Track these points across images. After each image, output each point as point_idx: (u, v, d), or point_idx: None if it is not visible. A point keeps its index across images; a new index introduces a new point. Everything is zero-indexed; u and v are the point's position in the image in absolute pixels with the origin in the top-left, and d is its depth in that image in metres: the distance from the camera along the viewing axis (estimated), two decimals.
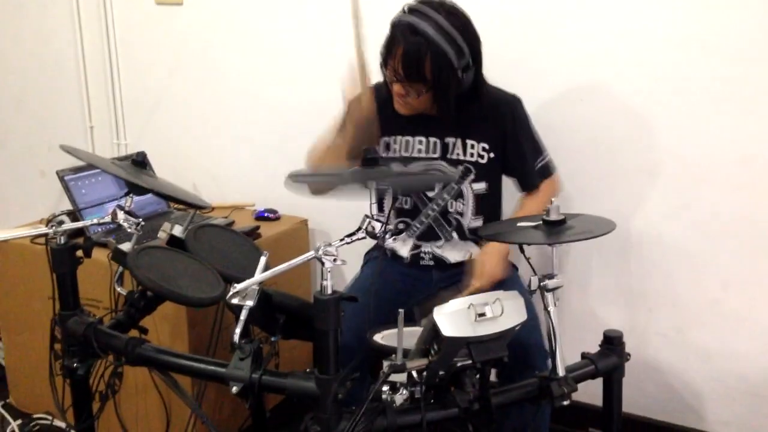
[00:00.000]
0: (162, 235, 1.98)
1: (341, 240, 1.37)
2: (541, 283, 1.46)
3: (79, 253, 1.61)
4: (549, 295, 1.48)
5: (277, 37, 2.70)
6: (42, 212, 2.61)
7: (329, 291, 1.33)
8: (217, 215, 2.69)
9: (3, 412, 2.55)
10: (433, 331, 1.35)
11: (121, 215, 1.56)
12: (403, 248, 2.12)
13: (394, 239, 1.41)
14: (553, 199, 1.50)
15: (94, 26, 3.04)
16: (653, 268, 2.27)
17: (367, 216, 1.38)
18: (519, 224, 1.53)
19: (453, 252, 2.09)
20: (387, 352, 1.51)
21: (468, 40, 1.90)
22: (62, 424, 2.44)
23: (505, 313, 1.34)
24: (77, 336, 1.58)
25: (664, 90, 2.14)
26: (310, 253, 1.34)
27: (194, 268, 1.86)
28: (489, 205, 2.10)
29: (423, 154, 2.07)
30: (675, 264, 2.24)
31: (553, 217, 1.49)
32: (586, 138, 2.27)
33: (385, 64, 1.95)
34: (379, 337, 1.78)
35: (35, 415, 2.53)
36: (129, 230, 1.57)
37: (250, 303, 1.40)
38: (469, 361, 1.36)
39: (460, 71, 1.89)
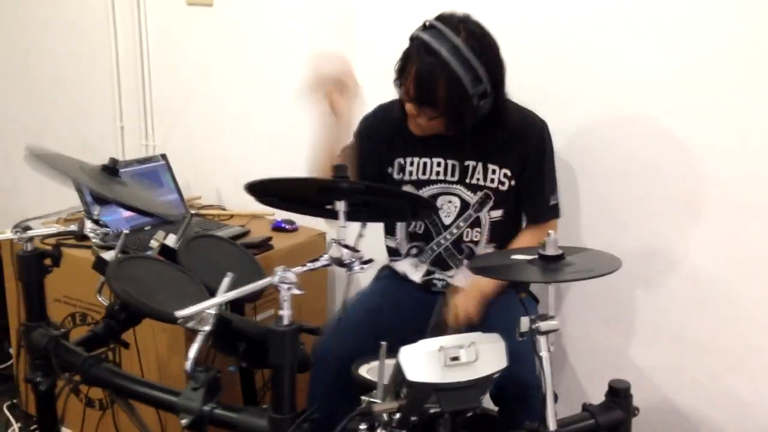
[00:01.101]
0: (154, 244, 1.90)
1: (303, 266, 1.24)
2: (533, 326, 1.30)
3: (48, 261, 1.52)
4: (542, 339, 1.32)
5: (308, 41, 2.59)
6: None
7: (286, 322, 1.21)
8: (234, 223, 2.60)
9: (7, 413, 2.51)
10: (400, 374, 1.20)
11: (88, 224, 1.47)
12: (415, 273, 1.99)
13: (362, 269, 1.27)
14: (550, 231, 1.33)
15: (128, 27, 3.01)
16: (689, 306, 2.06)
17: (334, 240, 1.25)
18: (513, 257, 1.37)
19: (467, 280, 1.93)
20: (368, 387, 1.38)
21: (487, 64, 1.72)
22: (66, 430, 2.39)
23: (480, 358, 1.19)
24: (40, 349, 1.49)
25: (705, 112, 1.93)
26: (267, 280, 1.22)
27: (179, 281, 1.76)
28: (505, 233, 1.95)
29: (441, 177, 1.92)
30: (713, 304, 2.02)
31: (550, 251, 1.32)
32: (618, 163, 2.07)
33: (399, 81, 1.80)
34: (365, 369, 1.65)
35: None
36: (94, 240, 1.47)
37: (206, 328, 1.28)
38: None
39: (475, 99, 1.72)
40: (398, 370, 1.21)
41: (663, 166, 2.02)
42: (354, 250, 1.25)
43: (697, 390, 2.08)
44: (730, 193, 1.94)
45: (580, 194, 2.13)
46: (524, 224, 1.99)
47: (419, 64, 1.71)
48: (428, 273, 1.98)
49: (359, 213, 1.31)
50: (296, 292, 1.19)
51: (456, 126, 1.79)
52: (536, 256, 1.33)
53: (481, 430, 2.28)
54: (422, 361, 1.18)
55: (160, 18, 2.94)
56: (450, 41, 1.69)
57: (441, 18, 1.74)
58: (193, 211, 2.67)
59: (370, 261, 1.26)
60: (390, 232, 2.02)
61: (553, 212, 1.95)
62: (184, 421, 1.29)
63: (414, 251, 1.98)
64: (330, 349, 1.76)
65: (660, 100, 1.98)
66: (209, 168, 2.91)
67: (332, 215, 1.28)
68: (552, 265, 1.30)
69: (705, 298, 2.02)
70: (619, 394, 1.42)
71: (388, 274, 2.08)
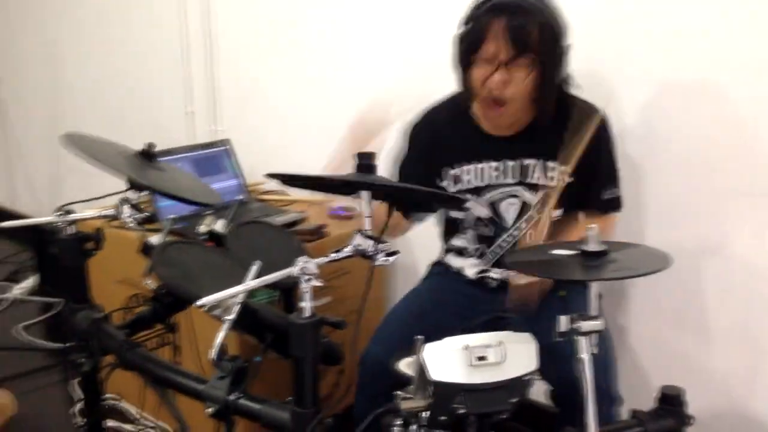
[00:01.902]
0: (203, 229, 1.90)
1: (327, 257, 1.19)
2: (573, 325, 1.22)
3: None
4: (583, 340, 1.23)
5: (374, 27, 2.54)
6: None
7: (307, 314, 1.17)
8: (294, 209, 2.59)
9: (76, 387, 2.59)
10: (424, 372, 1.15)
11: (125, 209, 1.47)
12: (471, 270, 1.92)
13: (387, 261, 1.21)
14: (592, 226, 1.24)
15: (196, 11, 3.03)
16: (763, 306, 1.91)
17: (359, 231, 1.20)
18: (553, 252, 1.28)
19: (523, 276, 1.85)
20: (405, 382, 1.33)
21: (561, 15, 1.69)
22: (128, 407, 2.45)
23: (508, 360, 1.12)
24: (82, 331, 1.51)
25: None
26: (287, 270, 1.18)
27: (225, 267, 1.75)
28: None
29: (500, 180, 1.83)
30: None
31: (592, 246, 1.22)
32: (686, 154, 1.93)
33: (471, 53, 1.69)
34: (404, 364, 1.60)
35: (106, 396, 2.55)
36: (131, 225, 1.47)
37: (230, 317, 1.26)
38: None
39: (564, 42, 1.68)
40: (422, 369, 1.16)
41: (737, 157, 1.87)
42: (379, 240, 1.19)
43: None
44: None
45: (644, 188, 2.00)
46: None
47: (508, 17, 1.63)
48: (483, 270, 1.91)
49: (385, 199, 1.26)
50: (316, 283, 1.14)
51: (547, 79, 1.69)
52: (578, 252, 1.24)
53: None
54: (447, 359, 1.13)
55: (227, 3, 2.95)
56: None
57: None
58: (255, 197, 2.68)
59: (395, 253, 1.20)
60: (459, 232, 1.93)
61: (610, 206, 1.84)
62: (209, 410, 1.27)
63: (479, 253, 1.91)
64: (376, 354, 1.73)
65: (733, 86, 1.83)
66: (274, 153, 2.91)
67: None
68: (594, 261, 1.21)
69: None
70: (671, 401, 1.31)
71: (439, 270, 2.02)
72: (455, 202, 1.45)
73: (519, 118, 1.78)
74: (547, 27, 1.65)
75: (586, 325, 1.21)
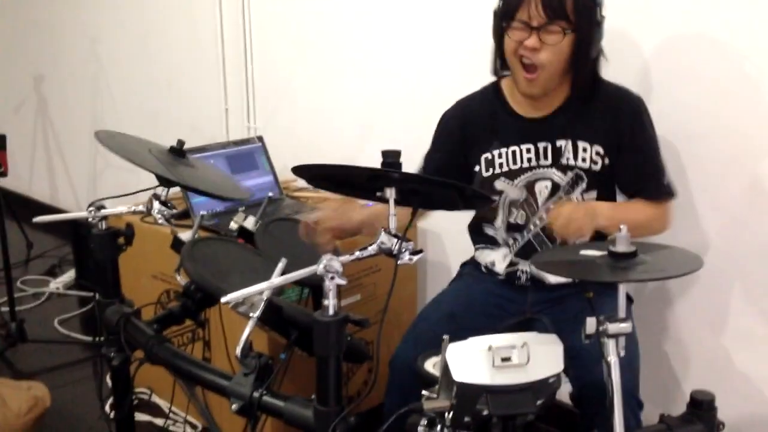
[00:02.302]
0: (233, 226, 1.91)
1: (351, 254, 1.19)
2: (600, 327, 1.20)
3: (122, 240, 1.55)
4: (610, 343, 1.21)
5: (407, 24, 2.54)
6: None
7: (331, 312, 1.17)
8: (327, 206, 2.58)
9: (108, 382, 2.63)
10: (448, 373, 1.14)
11: (156, 204, 1.48)
12: (501, 264, 1.90)
13: (411, 260, 1.20)
14: (623, 226, 1.21)
15: (233, 10, 3.06)
16: None
17: (384, 230, 1.19)
18: (581, 252, 1.26)
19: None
20: (432, 382, 1.32)
21: None
22: (160, 402, 2.48)
23: (533, 360, 1.10)
24: (112, 326, 1.53)
25: None
26: (312, 268, 1.18)
27: (254, 264, 1.77)
28: None
29: (533, 163, 1.81)
30: None
31: (621, 248, 1.20)
32: (733, 152, 1.89)
33: (507, 19, 1.69)
34: (431, 364, 1.59)
35: (136, 390, 2.58)
36: (159, 221, 1.48)
37: (255, 314, 1.27)
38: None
39: (599, 9, 1.67)
40: (446, 369, 1.15)
41: None
42: (405, 239, 1.18)
43: None
44: None
45: (688, 185, 1.95)
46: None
47: None
48: (512, 264, 1.89)
49: (410, 201, 1.25)
50: (340, 281, 1.14)
51: (583, 46, 1.68)
52: (605, 252, 1.22)
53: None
54: (470, 360, 1.11)
55: (262, 1, 2.97)
56: None
57: None
58: (288, 194, 2.69)
59: (419, 252, 1.19)
60: (489, 222, 1.91)
61: (668, 191, 1.78)
62: (234, 406, 1.28)
63: (511, 241, 1.89)
64: (406, 355, 1.71)
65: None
66: (307, 151, 2.91)
67: (383, 201, 1.23)
68: (622, 263, 1.19)
69: None
70: (701, 406, 1.28)
71: (469, 270, 2.00)
72: (482, 200, 1.44)
73: (552, 92, 1.76)
74: None
75: (613, 328, 1.19)
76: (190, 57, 3.32)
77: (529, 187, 1.82)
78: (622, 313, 1.20)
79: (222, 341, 2.07)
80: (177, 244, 1.73)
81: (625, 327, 1.20)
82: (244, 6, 3.00)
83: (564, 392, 1.80)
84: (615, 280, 1.17)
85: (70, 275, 3.57)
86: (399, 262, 1.20)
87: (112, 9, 3.67)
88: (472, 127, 1.87)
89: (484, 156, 1.85)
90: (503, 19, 1.71)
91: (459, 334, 1.24)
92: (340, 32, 2.74)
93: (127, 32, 3.62)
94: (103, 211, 1.51)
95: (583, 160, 1.78)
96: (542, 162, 1.81)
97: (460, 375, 1.11)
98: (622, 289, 1.20)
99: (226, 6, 3.07)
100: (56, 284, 3.52)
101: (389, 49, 2.61)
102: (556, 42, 1.65)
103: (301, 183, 2.88)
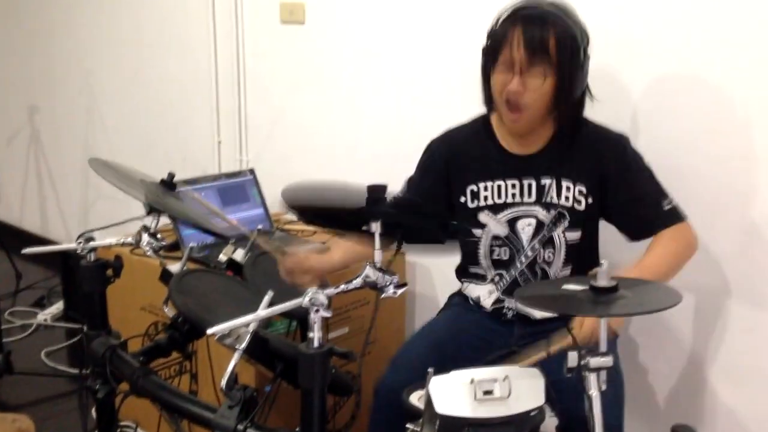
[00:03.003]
0: (222, 258, 1.92)
1: (336, 288, 1.21)
2: (582, 361, 1.21)
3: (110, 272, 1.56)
4: (591, 377, 1.22)
5: (398, 59, 2.59)
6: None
7: (315, 344, 1.18)
8: (316, 239, 2.61)
9: (93, 415, 2.62)
10: (431, 405, 1.15)
11: (145, 236, 1.50)
12: (488, 299, 1.92)
13: (395, 293, 1.22)
14: (603, 261, 1.23)
15: (226, 45, 3.10)
16: None
17: (369, 263, 1.21)
18: (564, 287, 1.28)
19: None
20: (417, 415, 1.33)
21: (583, 26, 1.73)
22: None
23: (514, 394, 1.11)
24: (98, 358, 1.54)
25: None
26: (297, 300, 1.19)
27: (242, 296, 1.78)
28: (582, 254, 1.84)
29: (518, 199, 1.84)
30: None
31: (602, 282, 1.22)
32: (712, 189, 1.93)
33: (492, 61, 1.74)
34: (416, 397, 1.60)
35: (122, 423, 2.56)
36: (148, 253, 1.50)
37: (241, 346, 1.28)
38: None
39: (583, 52, 1.70)
40: (429, 400, 1.16)
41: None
42: (389, 273, 1.20)
43: None
44: None
45: None
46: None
47: (523, 23, 1.68)
48: (498, 301, 1.90)
49: (394, 234, 1.27)
50: (325, 314, 1.16)
51: (566, 86, 1.71)
52: (587, 287, 1.24)
53: None
54: (453, 393, 1.13)
55: (256, 36, 3.01)
56: (542, 3, 1.71)
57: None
58: (278, 226, 2.71)
59: (404, 285, 1.21)
60: (474, 259, 1.92)
61: (675, 215, 1.77)
62: None
63: (497, 278, 1.91)
64: (391, 384, 1.72)
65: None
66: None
67: (369, 235, 1.25)
68: (603, 297, 1.21)
69: None
70: None
71: (457, 302, 2.01)
72: (464, 233, 1.47)
73: (537, 132, 1.80)
74: (565, 37, 1.67)
75: (595, 362, 1.20)
76: (183, 90, 3.35)
77: (512, 223, 1.85)
78: (603, 347, 1.21)
79: (209, 374, 2.07)
80: (166, 276, 1.73)
81: (605, 361, 1.21)
82: (238, 40, 3.05)
83: (552, 427, 1.82)
84: (595, 314, 1.19)
85: (58, 307, 3.56)
86: (384, 295, 1.21)
87: (108, 41, 3.71)
88: (458, 158, 1.89)
89: (469, 188, 1.87)
90: (488, 59, 1.75)
91: (444, 365, 1.25)
92: (333, 67, 2.78)
93: (121, 65, 3.66)
94: (92, 243, 1.52)
95: (567, 198, 1.81)
96: (526, 199, 1.83)
97: (442, 407, 1.12)
98: (603, 323, 1.21)
99: (220, 39, 3.12)
100: (44, 315, 3.51)
101: (382, 84, 2.65)
102: (538, 86, 1.69)
103: (292, 216, 2.91)
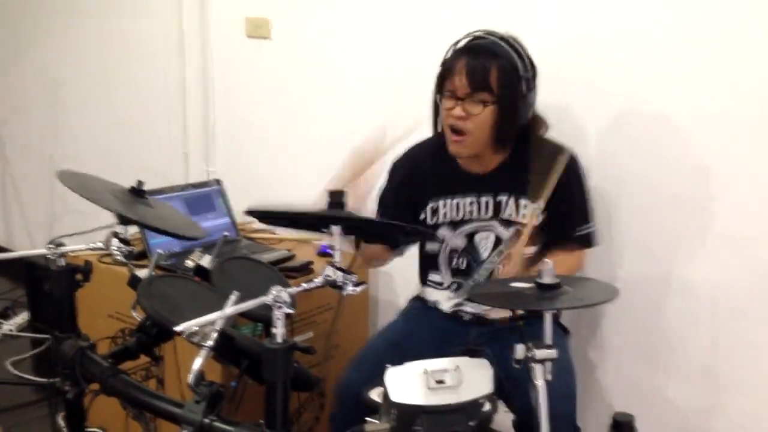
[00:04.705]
0: (190, 264, 1.98)
1: (299, 287, 1.28)
2: (528, 353, 1.30)
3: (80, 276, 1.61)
4: (537, 367, 1.30)
5: (361, 74, 2.67)
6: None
7: (279, 340, 1.25)
8: (282, 247, 2.66)
9: (60, 422, 2.63)
10: (387, 395, 1.23)
11: (114, 242, 1.55)
12: (446, 303, 2.00)
13: (355, 291, 1.30)
14: (547, 261, 1.32)
15: (195, 59, 3.15)
16: (732, 345, 1.98)
17: (330, 264, 1.29)
18: (511, 284, 1.37)
19: (495, 310, 1.93)
20: (374, 409, 1.40)
21: (530, 60, 1.82)
22: None
23: (464, 383, 1.19)
24: (68, 359, 1.58)
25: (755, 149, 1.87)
26: (261, 299, 1.26)
27: (209, 299, 1.83)
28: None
29: (475, 215, 1.93)
30: (759, 344, 1.94)
31: (547, 279, 1.31)
32: (655, 197, 2.04)
33: (442, 86, 1.85)
34: (376, 393, 1.67)
35: (90, 429, 2.59)
36: (119, 258, 1.55)
37: (208, 344, 1.34)
38: None
39: (524, 83, 1.80)
40: (386, 392, 1.24)
41: (706, 199, 1.97)
42: (348, 272, 1.28)
43: None
44: None
45: (614, 225, 2.10)
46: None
47: (469, 54, 1.80)
48: (458, 304, 1.99)
49: (354, 233, 1.35)
50: (288, 311, 1.23)
51: (507, 116, 1.81)
52: (533, 284, 1.33)
53: None
54: (407, 382, 1.20)
55: (223, 50, 3.07)
56: (492, 35, 1.82)
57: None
58: (245, 235, 2.76)
59: (362, 283, 1.29)
60: (434, 267, 2.02)
61: (583, 241, 1.92)
62: None
63: (455, 286, 1.99)
64: (351, 384, 1.79)
65: (706, 134, 1.94)
66: (264, 194, 2.99)
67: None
68: (547, 293, 1.30)
69: (752, 337, 1.95)
70: (622, 428, 1.38)
71: (417, 305, 2.09)
72: (420, 234, 1.55)
73: (489, 154, 1.89)
74: (507, 69, 1.78)
75: (540, 353, 1.29)
76: (150, 102, 3.39)
77: (470, 236, 1.94)
78: (548, 340, 1.30)
79: (175, 379, 2.12)
80: (134, 282, 1.78)
81: (550, 353, 1.30)
82: (205, 53, 3.10)
83: (508, 423, 1.90)
84: (540, 308, 1.28)
85: (23, 317, 3.56)
86: (344, 292, 1.29)
87: (74, 53, 3.72)
88: (418, 176, 1.98)
89: (429, 205, 1.96)
90: (438, 86, 1.86)
91: (403, 363, 1.33)
92: (298, 80, 2.85)
93: (88, 76, 3.68)
94: (62, 248, 1.57)
95: (523, 215, 1.89)
96: (483, 215, 1.93)
97: (397, 396, 1.20)
98: (548, 317, 1.30)
99: (188, 51, 3.16)
100: (9, 326, 3.50)
101: (345, 97, 2.72)
102: (479, 113, 1.79)
103: (259, 225, 2.96)
